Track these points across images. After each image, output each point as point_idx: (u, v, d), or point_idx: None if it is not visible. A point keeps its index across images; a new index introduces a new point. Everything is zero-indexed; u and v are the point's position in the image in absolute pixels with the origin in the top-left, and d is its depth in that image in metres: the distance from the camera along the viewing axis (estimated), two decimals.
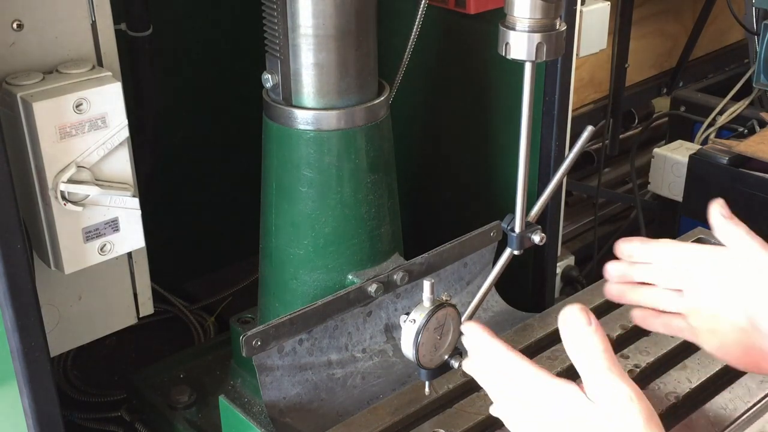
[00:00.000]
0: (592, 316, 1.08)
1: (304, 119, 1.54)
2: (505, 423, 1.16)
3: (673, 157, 2.66)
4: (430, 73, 2.03)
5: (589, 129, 1.34)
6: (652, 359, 1.59)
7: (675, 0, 3.11)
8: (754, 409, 1.48)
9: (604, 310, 1.74)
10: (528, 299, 1.98)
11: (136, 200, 1.45)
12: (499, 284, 1.51)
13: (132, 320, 1.65)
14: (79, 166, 1.36)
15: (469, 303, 1.40)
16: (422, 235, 2.04)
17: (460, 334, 1.27)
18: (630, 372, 1.55)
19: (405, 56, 1.68)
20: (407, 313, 1.32)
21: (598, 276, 1.97)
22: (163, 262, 1.78)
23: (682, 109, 3.00)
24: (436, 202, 2.17)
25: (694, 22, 3.15)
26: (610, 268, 1.38)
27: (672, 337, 1.65)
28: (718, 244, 1.84)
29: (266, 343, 1.49)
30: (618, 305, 1.75)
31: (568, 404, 1.07)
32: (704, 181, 2.49)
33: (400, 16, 1.79)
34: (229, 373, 1.83)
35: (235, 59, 2.12)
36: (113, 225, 1.43)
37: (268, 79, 1.56)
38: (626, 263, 1.36)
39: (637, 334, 1.68)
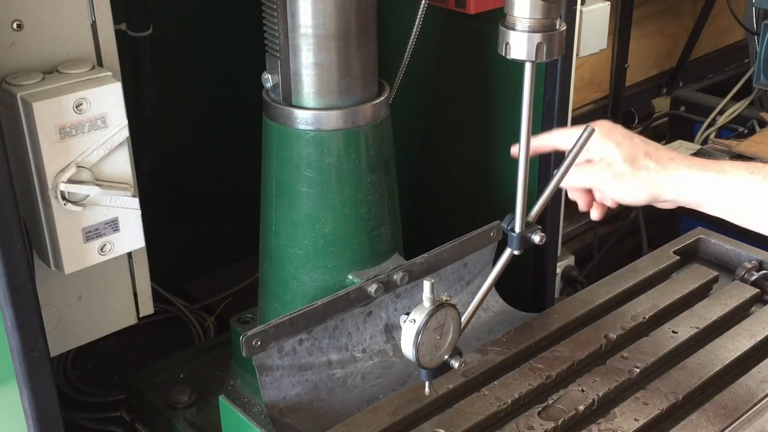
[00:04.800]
0: None
1: (304, 119, 1.54)
2: None
3: None
4: (430, 73, 2.03)
5: (590, 129, 1.34)
6: (652, 359, 1.59)
7: (675, 0, 3.11)
8: (754, 409, 1.48)
9: (604, 310, 1.74)
10: (528, 299, 1.98)
11: (136, 200, 1.45)
12: (499, 284, 1.51)
13: (132, 320, 1.65)
14: (79, 166, 1.36)
15: (469, 303, 1.40)
16: (422, 235, 2.04)
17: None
18: (630, 372, 1.55)
19: (405, 56, 1.67)
20: (407, 313, 1.31)
21: (598, 276, 1.97)
22: (163, 262, 1.78)
23: (682, 109, 3.00)
24: (436, 202, 2.17)
25: (694, 22, 3.15)
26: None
27: (671, 337, 1.65)
28: (718, 243, 1.86)
29: (266, 343, 1.49)
30: (618, 306, 1.75)
31: None
32: None
33: (400, 16, 1.79)
34: (229, 373, 1.83)
35: (235, 59, 2.12)
36: (113, 225, 1.43)
37: (268, 79, 1.56)
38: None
39: (637, 334, 1.68)
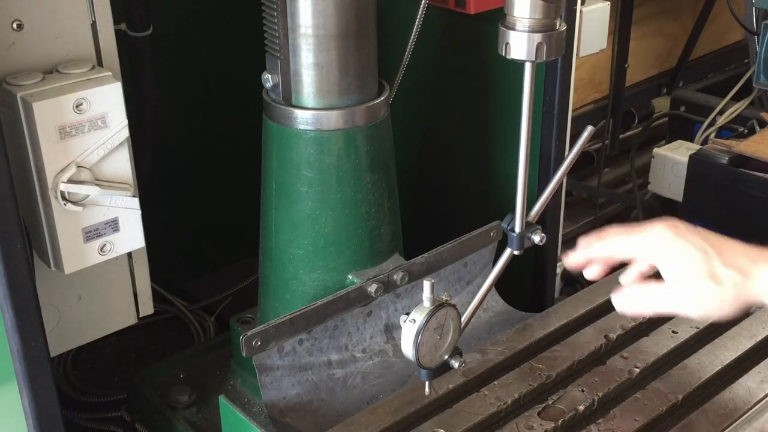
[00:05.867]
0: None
1: (304, 119, 1.54)
2: None
3: (673, 157, 2.66)
4: (430, 73, 2.03)
5: (589, 129, 1.34)
6: (652, 359, 1.59)
7: (675, 0, 3.11)
8: (754, 409, 1.48)
9: (604, 310, 1.74)
10: (528, 299, 1.98)
11: (136, 200, 1.45)
12: (499, 284, 1.51)
13: (132, 320, 1.65)
14: (79, 166, 1.36)
15: (469, 303, 1.40)
16: (422, 235, 2.04)
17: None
18: (630, 372, 1.55)
19: (405, 56, 1.68)
20: (407, 313, 1.32)
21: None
22: (163, 262, 1.78)
23: (682, 109, 3.00)
24: (436, 202, 2.17)
25: (694, 22, 3.15)
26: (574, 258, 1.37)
27: (671, 337, 1.65)
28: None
29: (266, 343, 1.49)
30: None
31: None
32: (704, 181, 2.49)
33: (400, 16, 1.79)
34: (229, 373, 1.83)
35: (235, 59, 2.12)
36: (113, 225, 1.43)
37: (268, 79, 1.56)
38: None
39: (637, 334, 1.68)
